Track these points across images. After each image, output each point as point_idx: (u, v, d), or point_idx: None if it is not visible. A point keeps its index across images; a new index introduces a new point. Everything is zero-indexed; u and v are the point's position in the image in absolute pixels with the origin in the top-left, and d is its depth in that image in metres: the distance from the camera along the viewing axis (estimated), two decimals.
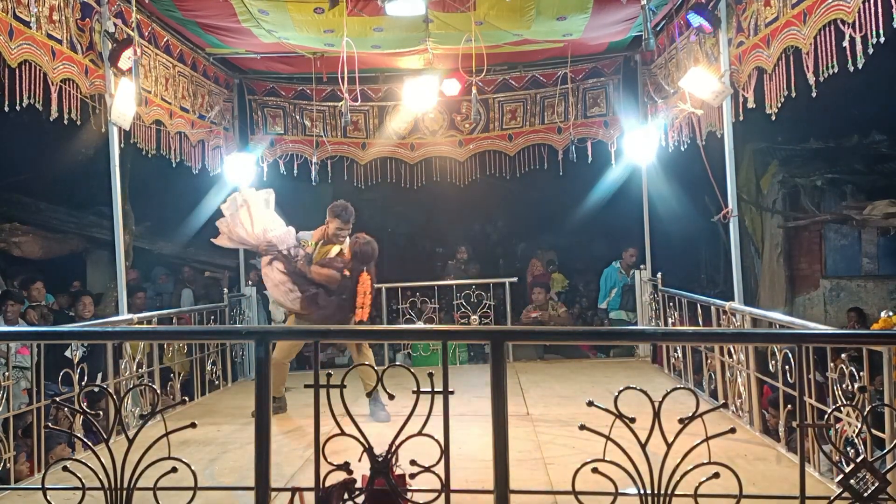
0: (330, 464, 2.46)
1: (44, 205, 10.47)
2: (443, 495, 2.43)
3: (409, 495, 2.47)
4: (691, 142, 6.58)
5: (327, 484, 2.48)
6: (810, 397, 3.96)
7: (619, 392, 2.33)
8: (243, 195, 5.74)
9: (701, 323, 6.26)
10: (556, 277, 10.95)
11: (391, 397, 2.64)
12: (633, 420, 2.33)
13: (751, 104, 5.29)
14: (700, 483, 2.32)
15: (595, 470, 2.34)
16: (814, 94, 4.44)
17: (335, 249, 5.58)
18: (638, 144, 7.67)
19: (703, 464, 2.30)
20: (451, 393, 2.49)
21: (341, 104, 6.56)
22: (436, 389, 2.45)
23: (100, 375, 5.10)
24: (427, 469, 2.44)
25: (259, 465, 2.40)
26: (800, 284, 10.84)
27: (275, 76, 8.33)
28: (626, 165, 8.21)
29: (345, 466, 2.47)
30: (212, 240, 5.89)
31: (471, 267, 10.07)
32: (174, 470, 2.50)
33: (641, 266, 8.14)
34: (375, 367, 2.54)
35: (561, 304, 9.56)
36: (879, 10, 3.66)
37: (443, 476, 2.43)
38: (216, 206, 9.07)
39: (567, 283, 11.15)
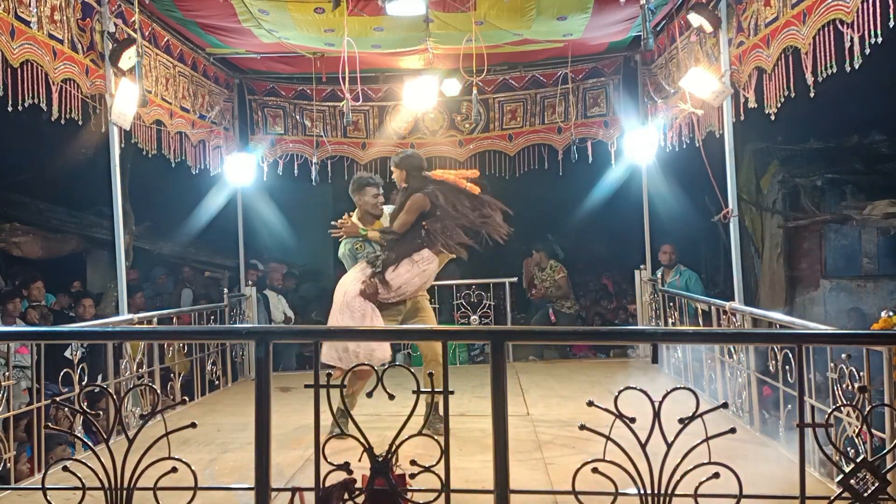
0: (330, 464, 2.46)
1: (44, 205, 10.47)
2: (443, 495, 2.43)
3: (409, 495, 2.47)
4: (691, 142, 6.58)
5: (327, 484, 2.48)
6: (810, 397, 3.97)
7: (619, 392, 2.33)
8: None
9: (701, 323, 6.27)
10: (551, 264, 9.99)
11: (391, 397, 2.65)
12: (633, 420, 2.33)
13: (751, 104, 5.29)
14: (700, 483, 2.32)
15: (595, 470, 2.34)
16: (812, 95, 4.45)
17: (385, 219, 5.10)
18: (638, 144, 7.66)
19: (703, 464, 2.30)
20: (451, 393, 2.49)
21: (342, 104, 6.56)
22: (436, 389, 2.45)
23: (100, 376, 5.11)
24: (427, 469, 2.44)
25: (259, 465, 2.40)
26: (800, 284, 10.83)
27: (275, 76, 8.33)
28: (626, 165, 8.20)
29: (345, 466, 2.47)
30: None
31: (457, 269, 9.80)
32: (174, 470, 2.50)
33: (641, 266, 8.14)
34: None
35: (560, 268, 9.27)
36: (878, 10, 3.66)
37: (443, 476, 2.43)
38: (216, 207, 9.18)
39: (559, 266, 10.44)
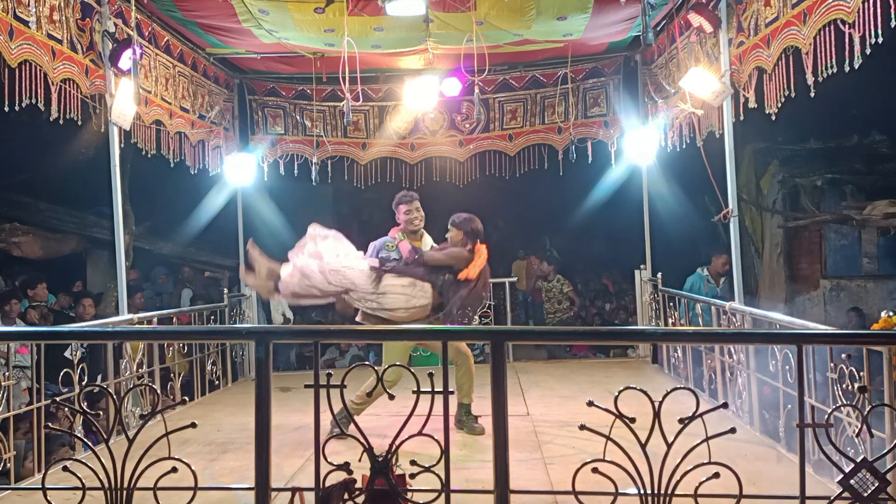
0: (330, 464, 2.46)
1: (44, 205, 10.47)
2: (443, 495, 2.43)
3: (409, 495, 2.47)
4: (691, 142, 6.58)
5: (327, 484, 2.48)
6: (810, 397, 3.97)
7: (619, 392, 2.33)
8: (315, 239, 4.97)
9: (701, 323, 6.26)
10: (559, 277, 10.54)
11: (391, 397, 2.64)
12: (633, 420, 2.32)
13: (751, 104, 5.29)
14: (700, 483, 2.31)
15: (595, 470, 2.34)
16: (812, 94, 4.45)
17: (426, 241, 5.27)
18: (638, 144, 7.66)
19: (703, 464, 2.29)
20: (452, 393, 2.49)
21: (342, 104, 6.56)
22: (436, 389, 2.45)
23: (100, 376, 5.10)
24: (427, 469, 2.44)
25: (259, 465, 2.40)
26: (800, 284, 10.84)
27: (275, 76, 8.33)
28: (626, 165, 8.20)
29: (345, 466, 2.47)
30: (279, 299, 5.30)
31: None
32: (174, 470, 2.49)
33: (641, 266, 8.14)
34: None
35: (567, 282, 9.29)
36: (878, 10, 3.67)
37: (443, 476, 2.43)
38: (216, 207, 9.18)
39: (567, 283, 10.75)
